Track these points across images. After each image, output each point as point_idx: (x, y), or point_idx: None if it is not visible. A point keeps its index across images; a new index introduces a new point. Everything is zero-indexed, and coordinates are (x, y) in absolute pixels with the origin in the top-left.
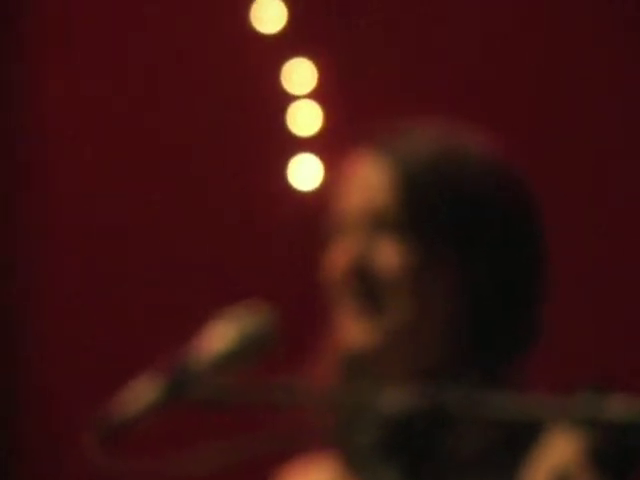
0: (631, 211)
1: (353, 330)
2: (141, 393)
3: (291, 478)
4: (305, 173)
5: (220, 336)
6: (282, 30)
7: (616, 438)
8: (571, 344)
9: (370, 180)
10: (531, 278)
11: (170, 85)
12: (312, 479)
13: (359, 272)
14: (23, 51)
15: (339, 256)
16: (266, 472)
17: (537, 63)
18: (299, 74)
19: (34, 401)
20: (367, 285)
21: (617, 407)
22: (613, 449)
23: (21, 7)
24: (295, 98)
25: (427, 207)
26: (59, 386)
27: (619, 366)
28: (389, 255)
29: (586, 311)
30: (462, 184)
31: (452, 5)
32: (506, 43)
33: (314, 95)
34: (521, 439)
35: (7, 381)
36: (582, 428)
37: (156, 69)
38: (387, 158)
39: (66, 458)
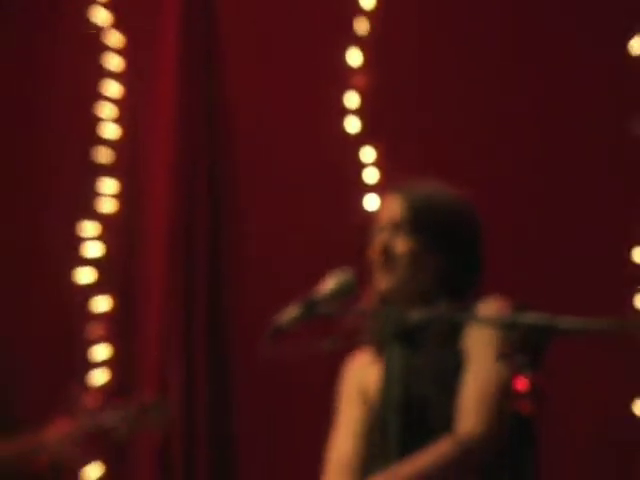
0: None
1: (380, 282)
2: (290, 311)
3: (348, 364)
4: (370, 202)
5: (330, 283)
6: (360, 132)
7: (530, 333)
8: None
9: (393, 206)
10: (475, 254)
11: (306, 163)
12: (355, 363)
13: (385, 252)
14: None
15: (376, 244)
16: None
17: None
18: (369, 155)
19: (241, 315)
20: (388, 259)
21: (530, 316)
22: (529, 339)
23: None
24: (366, 166)
25: (421, 221)
26: (252, 306)
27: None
28: (401, 244)
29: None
30: (440, 209)
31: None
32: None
33: (376, 164)
34: (463, 329)
35: (221, 308)
36: (509, 328)
37: (297, 153)
38: (402, 195)
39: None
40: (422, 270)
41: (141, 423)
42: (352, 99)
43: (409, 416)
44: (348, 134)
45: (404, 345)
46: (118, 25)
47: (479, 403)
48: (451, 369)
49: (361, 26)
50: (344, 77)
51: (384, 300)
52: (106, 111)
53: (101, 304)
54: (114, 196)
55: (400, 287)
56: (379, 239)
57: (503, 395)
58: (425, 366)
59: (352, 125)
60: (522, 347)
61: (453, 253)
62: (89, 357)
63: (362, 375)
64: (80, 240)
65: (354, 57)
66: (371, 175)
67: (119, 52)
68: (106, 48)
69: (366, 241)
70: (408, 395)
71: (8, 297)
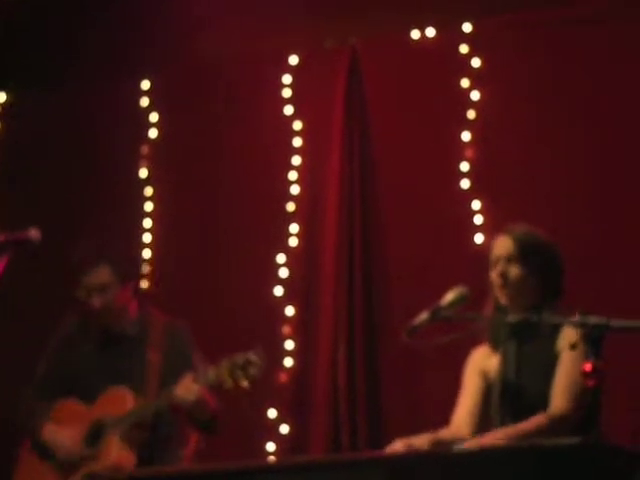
0: None
1: (500, 297)
2: (422, 316)
3: (474, 353)
4: (478, 238)
5: (450, 296)
6: (470, 189)
7: (592, 331)
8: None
9: (505, 243)
10: (560, 275)
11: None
12: (479, 352)
13: (502, 277)
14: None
15: (496, 271)
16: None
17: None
18: (476, 206)
19: (387, 317)
20: (504, 281)
21: (592, 318)
22: (591, 334)
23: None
24: (475, 213)
25: (526, 254)
26: (396, 311)
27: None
28: (513, 271)
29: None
30: (538, 246)
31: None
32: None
33: (481, 212)
34: (560, 329)
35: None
36: (579, 326)
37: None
38: (511, 236)
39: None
40: (528, 288)
41: (237, 375)
42: (464, 165)
43: (516, 391)
44: (462, 190)
45: (517, 340)
46: (299, 115)
47: (566, 389)
48: (551, 357)
49: (471, 114)
50: (459, 150)
51: (500, 309)
52: (293, 176)
53: (289, 310)
54: (298, 235)
55: (514, 300)
56: (497, 268)
57: (583, 382)
58: (532, 355)
59: (464, 184)
60: (587, 340)
61: (548, 275)
62: (282, 348)
63: (483, 362)
64: (275, 266)
65: (466, 136)
66: (478, 219)
67: (300, 134)
68: (292, 132)
69: (479, 266)
70: (519, 376)
71: (226, 305)
